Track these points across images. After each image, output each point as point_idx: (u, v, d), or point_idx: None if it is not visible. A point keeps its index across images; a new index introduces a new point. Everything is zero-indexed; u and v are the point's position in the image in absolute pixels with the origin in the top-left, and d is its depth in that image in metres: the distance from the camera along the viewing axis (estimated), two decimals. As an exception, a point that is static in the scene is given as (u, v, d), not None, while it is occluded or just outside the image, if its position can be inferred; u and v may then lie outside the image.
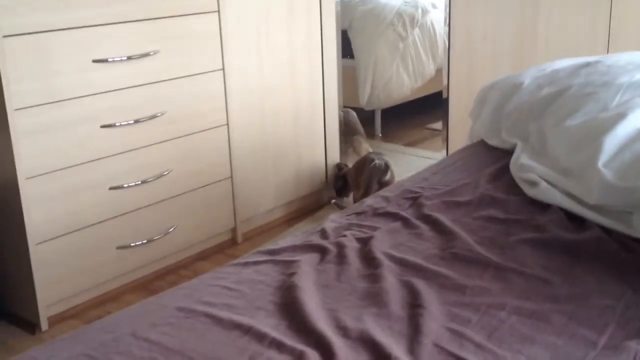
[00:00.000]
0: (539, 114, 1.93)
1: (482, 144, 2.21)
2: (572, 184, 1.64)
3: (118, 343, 1.17)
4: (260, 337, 1.17)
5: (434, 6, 4.62)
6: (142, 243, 2.57)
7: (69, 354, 1.15)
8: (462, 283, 1.34)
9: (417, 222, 1.63)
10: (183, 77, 2.62)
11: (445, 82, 3.43)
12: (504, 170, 1.91)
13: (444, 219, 1.63)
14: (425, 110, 4.78)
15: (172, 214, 2.67)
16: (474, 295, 1.30)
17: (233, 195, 2.91)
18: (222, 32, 2.73)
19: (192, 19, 2.62)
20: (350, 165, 3.36)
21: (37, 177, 2.23)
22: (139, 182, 2.53)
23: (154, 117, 2.53)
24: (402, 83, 4.45)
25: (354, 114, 3.85)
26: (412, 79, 4.50)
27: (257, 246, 2.80)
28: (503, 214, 1.66)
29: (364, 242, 1.53)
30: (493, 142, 2.14)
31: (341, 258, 1.46)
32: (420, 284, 1.33)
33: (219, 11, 2.70)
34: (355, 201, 3.18)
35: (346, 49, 4.28)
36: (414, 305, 1.26)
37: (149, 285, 2.64)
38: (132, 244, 2.54)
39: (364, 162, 3.14)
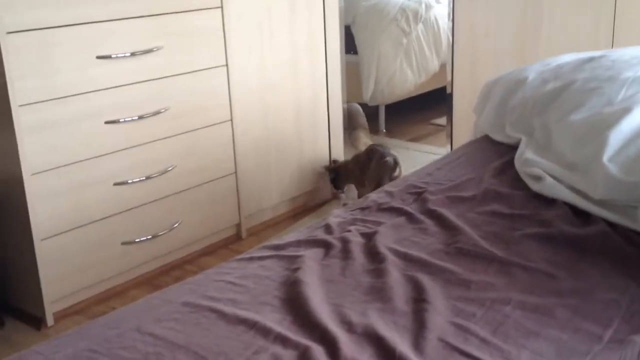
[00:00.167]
0: (544, 109, 1.92)
1: (486, 139, 2.21)
2: (577, 179, 1.64)
3: (123, 338, 1.18)
4: (265, 332, 1.17)
5: (437, 1, 4.61)
6: (147, 239, 2.58)
7: (73, 350, 1.15)
8: (467, 278, 1.34)
9: (422, 217, 1.63)
10: (186, 73, 2.62)
11: (449, 78, 3.43)
12: (509, 165, 1.91)
13: (449, 214, 1.63)
14: (429, 105, 4.77)
15: (176, 210, 2.68)
16: (478, 290, 1.30)
17: (237, 190, 2.91)
18: (225, 29, 2.73)
19: (195, 15, 2.61)
20: (344, 158, 3.34)
21: (42, 174, 2.24)
22: (144, 178, 2.53)
23: (157, 113, 2.54)
24: (405, 78, 4.44)
25: (357, 107, 3.84)
26: (415, 75, 4.49)
27: (261, 241, 2.80)
28: (508, 208, 1.65)
29: (369, 237, 1.53)
30: (497, 137, 2.13)
31: (346, 253, 1.46)
32: (424, 279, 1.33)
33: (222, 7, 2.70)
34: (359, 196, 3.17)
35: (349, 45, 4.27)
36: (419, 300, 1.26)
37: (154, 280, 2.64)
38: (136, 240, 2.55)
39: (368, 157, 3.12)
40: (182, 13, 2.57)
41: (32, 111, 2.18)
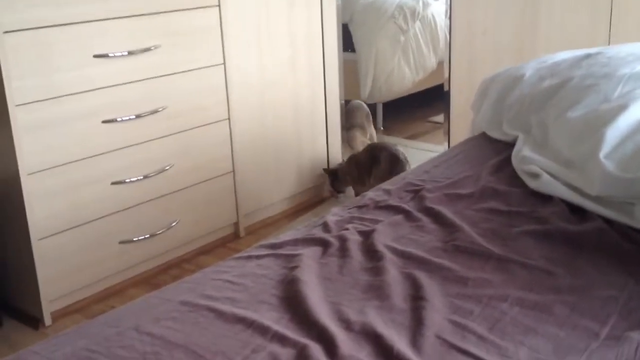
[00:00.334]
0: (541, 106, 1.93)
1: (483, 136, 2.21)
2: (573, 176, 1.64)
3: (121, 337, 1.18)
4: (263, 330, 1.17)
5: (434, -2, 4.61)
6: (145, 238, 2.58)
7: (72, 349, 1.15)
8: (464, 275, 1.34)
9: (419, 215, 1.63)
10: (184, 71, 2.62)
11: (446, 75, 3.43)
12: (506, 163, 1.91)
13: (446, 211, 1.63)
14: (426, 103, 4.77)
15: (174, 209, 2.68)
16: (476, 287, 1.30)
17: (235, 189, 2.91)
18: (223, 27, 2.73)
19: (193, 13, 2.61)
20: (343, 156, 3.33)
21: (39, 173, 2.23)
22: (141, 177, 2.53)
23: (155, 112, 2.53)
24: (403, 76, 4.44)
25: (358, 105, 3.81)
26: (413, 72, 4.50)
27: (259, 240, 2.80)
28: (505, 206, 1.66)
29: (366, 235, 1.53)
30: (494, 134, 2.14)
31: (343, 251, 1.47)
32: (422, 277, 1.33)
33: (219, 6, 2.70)
34: (356, 195, 3.17)
35: (347, 43, 4.27)
36: (417, 297, 1.26)
37: (152, 279, 2.64)
38: (134, 239, 2.55)
39: (371, 155, 3.11)
40: (180, 11, 2.56)
41: (29, 111, 2.18)
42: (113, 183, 2.45)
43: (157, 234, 2.61)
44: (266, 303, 1.27)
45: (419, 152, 3.92)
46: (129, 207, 2.52)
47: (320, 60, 3.23)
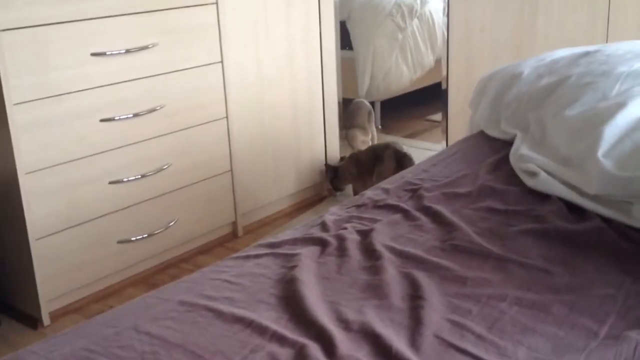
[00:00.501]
0: (539, 104, 1.92)
1: (481, 134, 2.21)
2: (571, 174, 1.64)
3: (120, 337, 1.18)
4: (261, 330, 1.17)
5: (432, -4, 4.61)
6: (143, 237, 2.58)
7: (70, 349, 1.15)
8: (463, 274, 1.34)
9: (417, 214, 1.63)
10: (182, 70, 2.62)
11: (444, 73, 3.43)
12: (504, 161, 1.91)
13: (444, 210, 1.63)
14: (424, 101, 4.77)
15: (172, 208, 2.67)
16: (474, 286, 1.30)
17: (233, 188, 2.91)
18: (221, 25, 2.72)
19: (191, 11, 2.61)
20: (340, 154, 3.32)
21: (37, 172, 2.23)
22: (139, 176, 2.53)
23: (153, 110, 2.53)
24: (401, 74, 4.44)
25: (359, 104, 3.80)
26: (411, 70, 4.49)
27: (257, 239, 2.80)
28: (503, 205, 1.66)
29: (365, 235, 1.53)
30: (492, 132, 2.13)
31: (342, 251, 1.46)
32: (420, 276, 1.33)
33: (217, 4, 2.69)
34: (355, 194, 3.17)
35: (345, 40, 4.26)
36: (415, 297, 1.26)
37: (150, 279, 2.64)
38: (132, 238, 2.54)
39: (374, 155, 3.11)
40: (177, 9, 2.56)
41: (26, 109, 2.17)
42: (111, 182, 2.44)
43: (155, 234, 2.61)
44: (265, 303, 1.27)
45: (417, 151, 3.91)
46: (127, 207, 2.51)
47: (318, 58, 3.23)
